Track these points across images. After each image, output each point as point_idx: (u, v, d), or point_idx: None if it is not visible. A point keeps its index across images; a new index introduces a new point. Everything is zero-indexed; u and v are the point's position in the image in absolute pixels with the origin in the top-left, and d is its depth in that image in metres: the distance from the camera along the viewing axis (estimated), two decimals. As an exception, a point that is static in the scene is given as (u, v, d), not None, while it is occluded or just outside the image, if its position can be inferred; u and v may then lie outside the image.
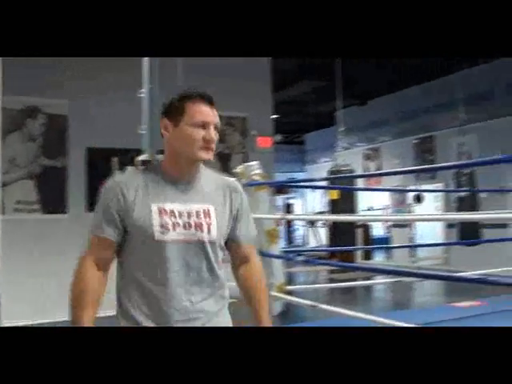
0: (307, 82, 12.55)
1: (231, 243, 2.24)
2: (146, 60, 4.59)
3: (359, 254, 13.91)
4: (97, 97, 7.16)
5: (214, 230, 2.10)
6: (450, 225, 12.29)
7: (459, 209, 10.46)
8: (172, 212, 2.04)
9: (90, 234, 2.08)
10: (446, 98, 13.18)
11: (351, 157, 14.11)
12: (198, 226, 2.07)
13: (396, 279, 6.09)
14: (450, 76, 12.77)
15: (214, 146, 2.08)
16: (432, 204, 15.00)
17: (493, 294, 7.88)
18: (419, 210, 14.51)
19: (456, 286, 8.99)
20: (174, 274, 2.02)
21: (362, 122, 16.08)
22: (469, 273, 6.80)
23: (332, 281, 10.91)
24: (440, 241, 13.58)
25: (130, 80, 5.18)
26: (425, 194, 14.21)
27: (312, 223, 16.49)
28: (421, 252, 14.58)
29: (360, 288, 10.14)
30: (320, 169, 17.22)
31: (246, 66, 7.57)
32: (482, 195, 10.83)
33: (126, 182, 2.07)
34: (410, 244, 14.07)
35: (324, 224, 14.40)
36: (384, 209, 15.73)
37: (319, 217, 13.26)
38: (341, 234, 10.72)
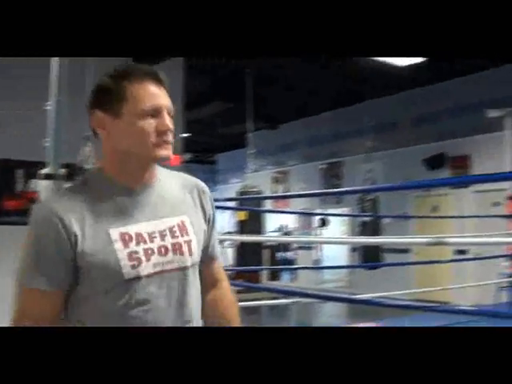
0: (219, 102, 12.62)
1: (203, 261, 1.68)
2: (54, 72, 4.53)
3: (265, 274, 14.06)
4: (2, 106, 6.96)
5: (195, 248, 1.59)
6: (353, 248, 12.60)
7: (362, 233, 10.74)
8: (139, 236, 1.48)
9: (20, 286, 1.47)
10: (355, 125, 13.56)
11: (260, 179, 14.25)
12: (177, 249, 1.54)
13: (296, 299, 6.20)
14: (359, 104, 13.13)
15: (171, 138, 1.52)
16: (338, 228, 15.38)
17: (392, 315, 8.11)
18: (326, 233, 14.85)
19: (357, 307, 9.22)
20: (151, 319, 1.48)
21: (273, 146, 16.26)
22: (368, 295, 6.99)
23: (237, 301, 10.93)
24: (344, 264, 13.89)
25: (38, 90, 5.09)
26: (330, 218, 14.55)
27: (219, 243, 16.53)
28: (326, 274, 14.87)
29: (265, 308, 10.22)
30: (231, 189, 17.24)
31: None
32: (385, 221, 11.17)
33: (64, 208, 1.45)
34: (314, 266, 14.37)
35: (231, 244, 14.50)
36: (282, 231, 16.01)
37: (226, 237, 13.31)
38: (248, 254, 10.79)
